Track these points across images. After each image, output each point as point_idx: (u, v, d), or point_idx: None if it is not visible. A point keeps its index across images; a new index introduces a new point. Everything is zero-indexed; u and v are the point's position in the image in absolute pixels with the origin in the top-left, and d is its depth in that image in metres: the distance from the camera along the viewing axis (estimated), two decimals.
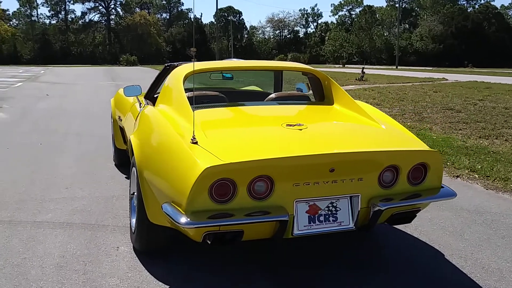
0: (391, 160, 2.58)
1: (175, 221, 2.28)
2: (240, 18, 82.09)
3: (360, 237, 3.45)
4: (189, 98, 3.38)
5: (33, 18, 73.52)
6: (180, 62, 3.86)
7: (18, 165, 5.39)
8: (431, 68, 47.92)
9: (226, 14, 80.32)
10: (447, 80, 23.70)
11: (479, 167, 5.32)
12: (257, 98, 3.69)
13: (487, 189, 4.66)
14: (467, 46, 59.89)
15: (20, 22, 74.40)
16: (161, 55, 69.61)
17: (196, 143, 2.46)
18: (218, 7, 76.62)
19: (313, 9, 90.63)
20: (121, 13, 75.64)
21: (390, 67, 51.17)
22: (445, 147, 6.35)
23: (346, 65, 55.06)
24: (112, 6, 75.18)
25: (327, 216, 2.52)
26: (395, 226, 3.58)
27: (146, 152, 2.90)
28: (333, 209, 2.53)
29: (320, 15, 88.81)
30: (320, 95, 3.68)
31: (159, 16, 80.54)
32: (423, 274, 2.89)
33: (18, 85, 18.72)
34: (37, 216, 3.75)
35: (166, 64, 4.15)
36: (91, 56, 68.43)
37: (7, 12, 73.58)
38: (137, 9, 76.00)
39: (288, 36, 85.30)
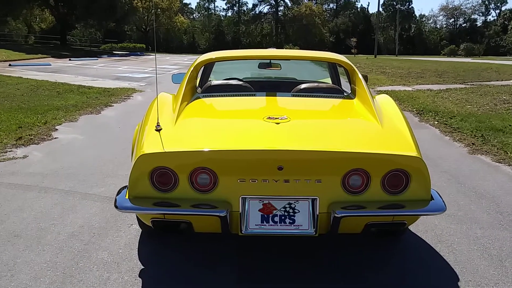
0: (355, 163, 2.29)
1: (114, 204, 2.36)
2: (410, 7, 77.74)
3: (369, 244, 3.12)
4: (210, 87, 3.43)
5: (210, 11, 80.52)
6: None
7: (116, 143, 6.01)
8: None
9: (394, 3, 76.88)
10: None
11: None
12: (287, 89, 3.54)
13: None
14: None
15: (201, 14, 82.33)
16: (324, 45, 69.94)
17: (158, 130, 2.50)
18: None
19: None
20: (289, 4, 78.07)
21: None
22: None
23: None
24: None
25: (283, 218, 2.35)
26: (421, 237, 3.16)
27: (134, 137, 3.04)
28: (291, 210, 2.35)
29: (504, 1, 79.43)
30: (351, 87, 3.40)
31: (326, 6, 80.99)
32: None
33: (173, 72, 20.66)
34: (92, 189, 4.18)
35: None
36: (258, 46, 72.05)
37: (190, 6, 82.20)
38: (305, 0, 77.54)
39: (463, 25, 78.19)
